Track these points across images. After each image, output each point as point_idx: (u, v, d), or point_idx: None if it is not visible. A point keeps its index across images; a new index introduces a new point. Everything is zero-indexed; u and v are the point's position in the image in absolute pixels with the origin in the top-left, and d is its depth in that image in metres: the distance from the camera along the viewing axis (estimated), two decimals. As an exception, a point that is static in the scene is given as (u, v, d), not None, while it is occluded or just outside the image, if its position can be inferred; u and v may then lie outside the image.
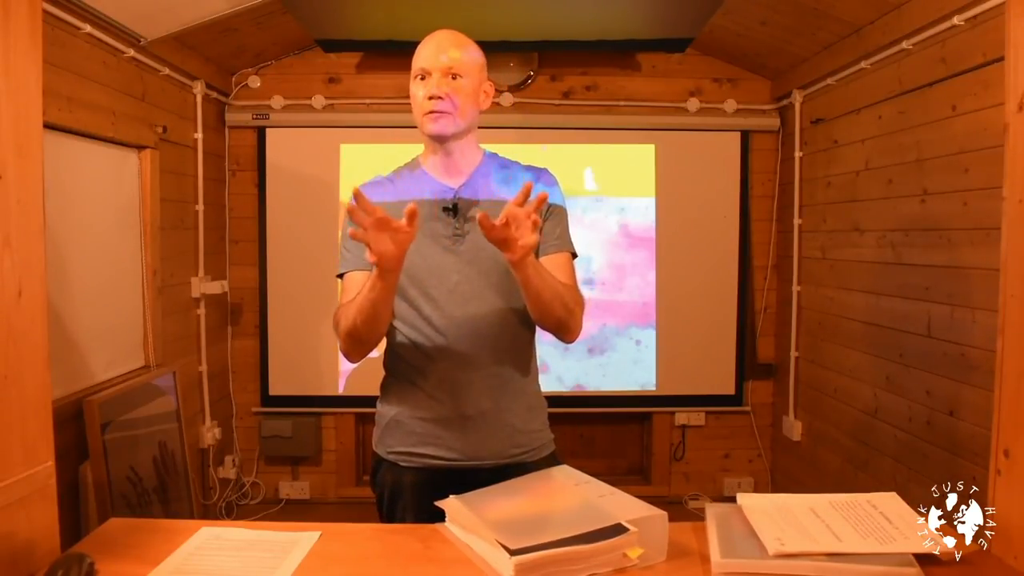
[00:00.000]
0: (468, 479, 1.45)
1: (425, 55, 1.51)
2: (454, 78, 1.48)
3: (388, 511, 1.60)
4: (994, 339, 1.26)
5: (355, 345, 1.47)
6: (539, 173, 1.62)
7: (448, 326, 1.51)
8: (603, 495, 1.29)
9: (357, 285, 1.47)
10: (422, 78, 1.50)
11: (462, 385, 1.52)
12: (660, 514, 1.18)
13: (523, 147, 3.61)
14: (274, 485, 3.86)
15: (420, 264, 1.50)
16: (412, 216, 1.27)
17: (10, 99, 1.14)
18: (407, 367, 1.56)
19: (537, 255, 1.53)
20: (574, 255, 1.61)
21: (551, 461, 1.59)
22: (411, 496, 1.54)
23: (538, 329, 1.60)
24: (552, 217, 1.57)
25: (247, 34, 3.30)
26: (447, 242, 1.52)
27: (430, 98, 1.48)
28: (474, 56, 1.53)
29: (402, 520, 1.54)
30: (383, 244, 1.29)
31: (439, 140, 1.53)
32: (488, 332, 1.52)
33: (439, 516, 1.33)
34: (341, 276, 1.56)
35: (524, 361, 1.59)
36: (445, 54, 1.48)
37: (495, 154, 1.64)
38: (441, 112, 1.48)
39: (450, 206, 1.52)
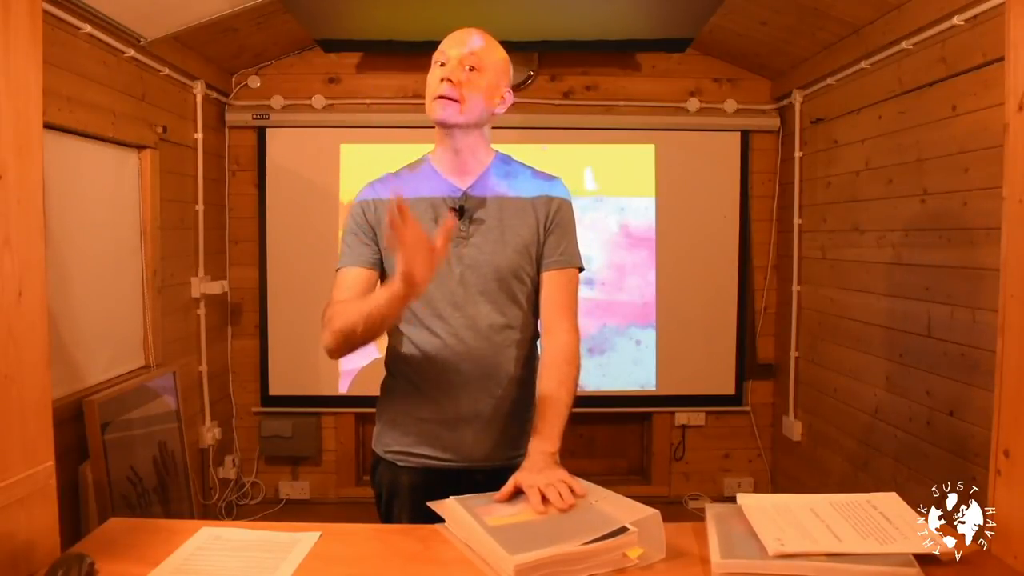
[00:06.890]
0: (464, 480, 1.45)
1: (447, 42, 1.51)
2: (471, 69, 1.47)
3: (386, 510, 1.60)
4: (994, 339, 1.26)
5: (344, 346, 1.43)
6: (550, 181, 1.59)
7: (447, 328, 1.51)
8: (596, 500, 1.28)
9: (353, 282, 1.49)
10: (441, 64, 1.49)
11: (459, 386, 1.51)
12: (653, 513, 1.18)
13: (523, 147, 3.60)
14: (274, 485, 3.86)
15: None
16: (403, 212, 1.22)
17: (10, 99, 1.14)
18: (406, 367, 1.56)
19: (539, 271, 1.54)
20: (580, 269, 1.57)
21: None
22: (408, 496, 1.54)
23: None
24: (557, 228, 1.55)
25: (247, 34, 3.29)
26: (450, 244, 1.51)
27: (441, 80, 1.46)
28: (496, 55, 1.53)
29: (399, 520, 1.54)
30: (416, 264, 1.24)
31: (443, 128, 1.51)
32: (486, 335, 1.51)
33: (435, 517, 1.32)
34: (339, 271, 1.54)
35: (522, 364, 1.57)
36: (466, 44, 1.48)
37: (507, 156, 1.62)
38: (448, 98, 1.46)
39: (457, 207, 1.51)
